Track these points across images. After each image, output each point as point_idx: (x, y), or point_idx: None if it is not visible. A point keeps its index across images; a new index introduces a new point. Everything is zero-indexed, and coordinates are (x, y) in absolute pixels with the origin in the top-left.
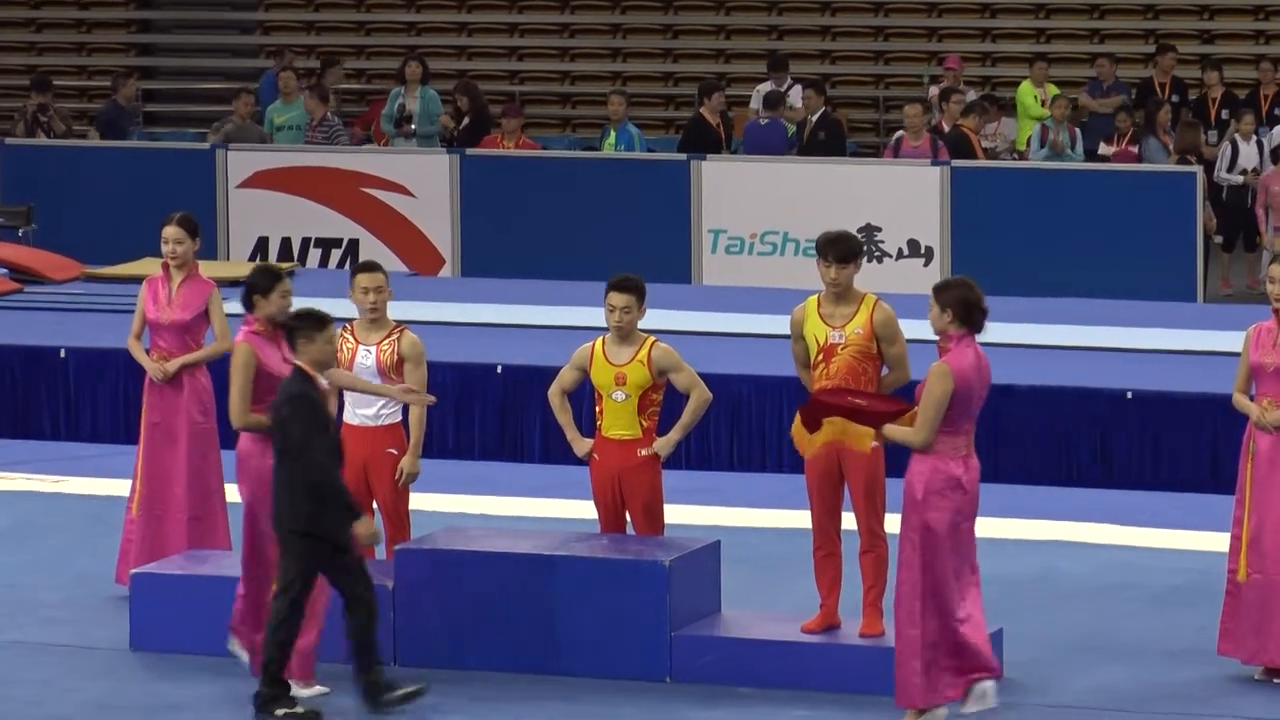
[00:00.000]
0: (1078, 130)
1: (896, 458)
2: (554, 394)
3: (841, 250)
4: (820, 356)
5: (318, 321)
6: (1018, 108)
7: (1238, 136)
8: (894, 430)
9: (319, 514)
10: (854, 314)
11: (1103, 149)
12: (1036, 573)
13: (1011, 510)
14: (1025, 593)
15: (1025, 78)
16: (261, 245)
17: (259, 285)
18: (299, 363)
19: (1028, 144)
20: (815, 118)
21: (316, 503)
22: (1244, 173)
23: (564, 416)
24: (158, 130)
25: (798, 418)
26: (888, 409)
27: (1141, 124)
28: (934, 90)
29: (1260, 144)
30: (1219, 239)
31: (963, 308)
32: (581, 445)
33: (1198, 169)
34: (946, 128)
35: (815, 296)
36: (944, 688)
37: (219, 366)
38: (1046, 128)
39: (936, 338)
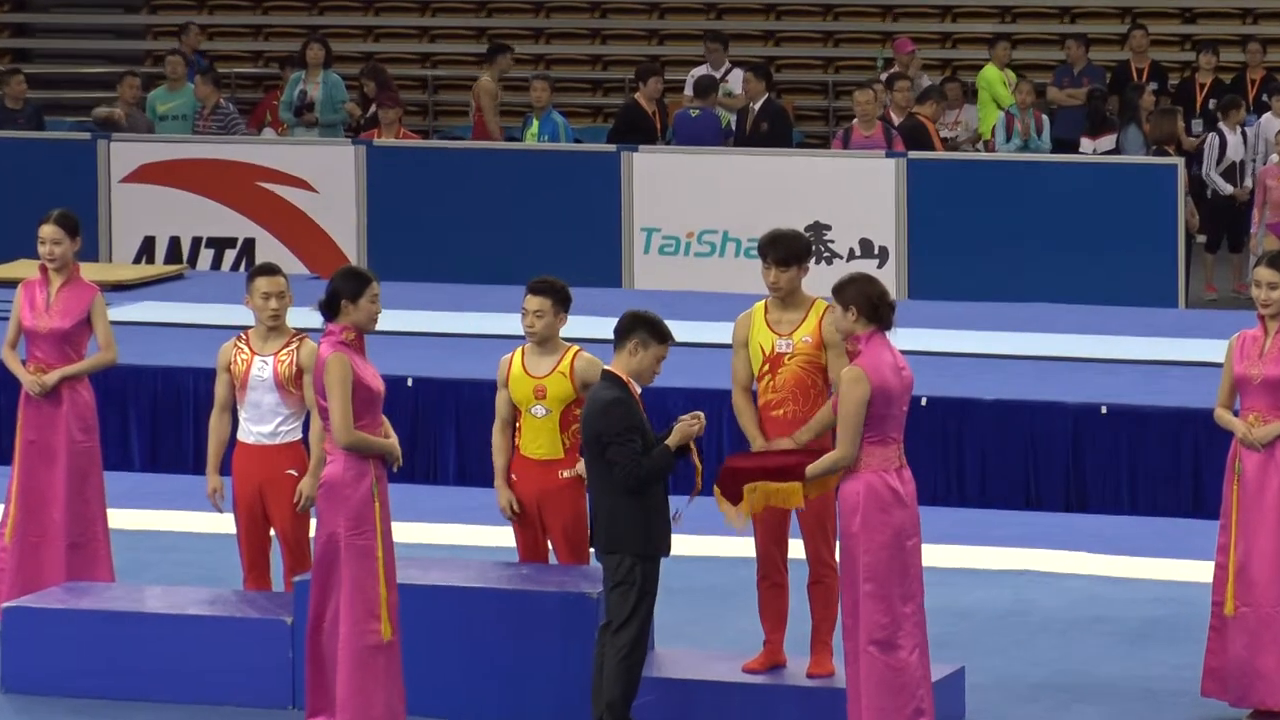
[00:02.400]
0: (1045, 117)
1: None
2: (496, 432)
3: (784, 251)
4: (766, 367)
5: (658, 331)
6: (979, 94)
7: (1224, 127)
8: (817, 466)
9: (666, 532)
10: (802, 320)
11: (1085, 145)
12: (1001, 606)
13: (973, 537)
14: (988, 628)
15: (988, 60)
16: (148, 245)
17: (346, 290)
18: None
19: (993, 133)
20: (758, 105)
21: (664, 521)
22: (1237, 181)
23: (499, 459)
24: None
25: (717, 490)
26: (807, 455)
27: (1117, 112)
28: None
29: (1245, 134)
30: (1202, 239)
31: (867, 303)
32: (505, 495)
33: (1178, 161)
34: (895, 119)
35: (763, 301)
36: None
37: (102, 379)
38: (1012, 115)
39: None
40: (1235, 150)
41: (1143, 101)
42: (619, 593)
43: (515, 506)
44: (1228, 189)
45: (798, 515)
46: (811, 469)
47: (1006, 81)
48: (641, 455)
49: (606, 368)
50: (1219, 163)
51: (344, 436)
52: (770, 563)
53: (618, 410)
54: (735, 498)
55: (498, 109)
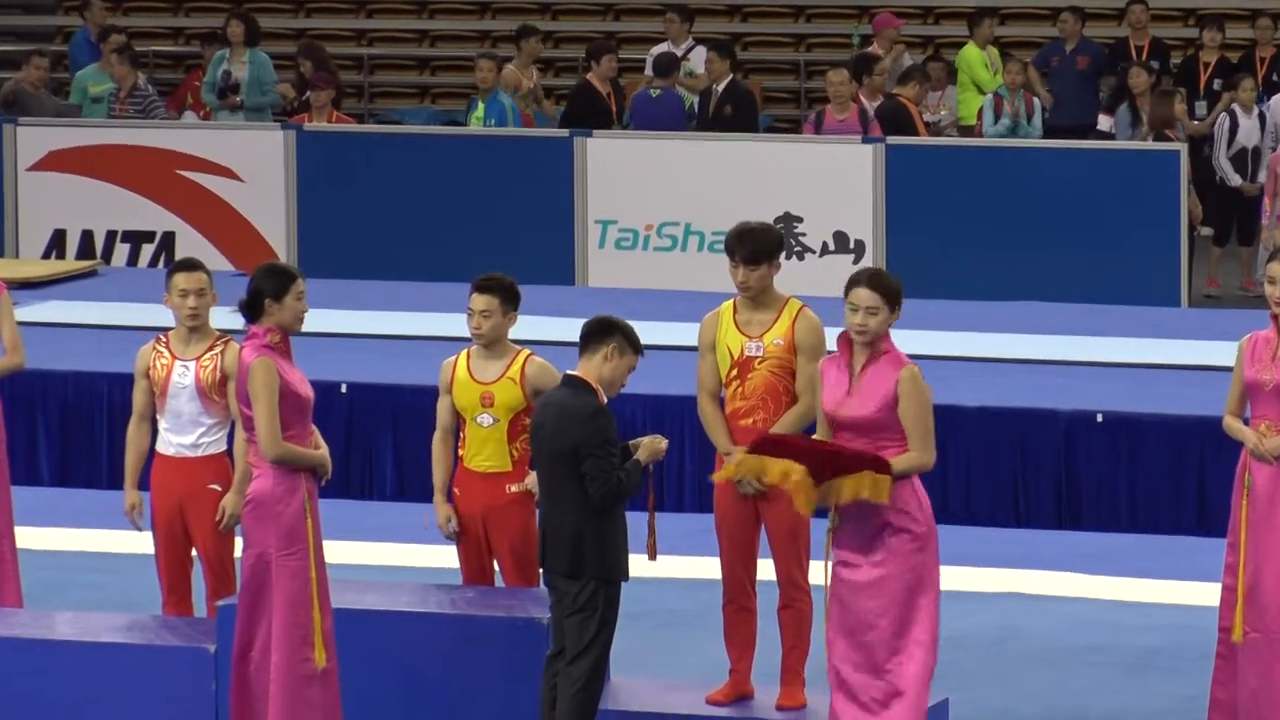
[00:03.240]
0: (1035, 100)
1: None
2: (437, 442)
3: (752, 247)
4: (734, 372)
5: (634, 340)
6: (959, 76)
7: (1237, 107)
8: (902, 463)
9: (626, 555)
10: (773, 321)
11: (1102, 122)
12: (988, 632)
13: (959, 557)
14: (974, 657)
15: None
16: (58, 239)
17: (269, 287)
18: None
19: (979, 117)
20: (721, 87)
21: (626, 543)
22: (1247, 169)
23: (439, 472)
24: None
25: (765, 463)
26: (853, 451)
27: (1112, 91)
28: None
29: (1263, 116)
30: (1207, 231)
31: (899, 301)
32: (442, 511)
33: (1181, 146)
34: (868, 103)
35: (732, 301)
36: None
37: (8, 385)
38: (1000, 97)
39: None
40: (1248, 135)
41: (1133, 81)
42: (579, 620)
43: (456, 524)
44: (1236, 179)
45: (768, 533)
46: (896, 466)
47: (989, 63)
48: (619, 470)
49: (571, 373)
50: (1229, 147)
51: (272, 448)
52: (737, 585)
53: (601, 421)
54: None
55: (536, 96)
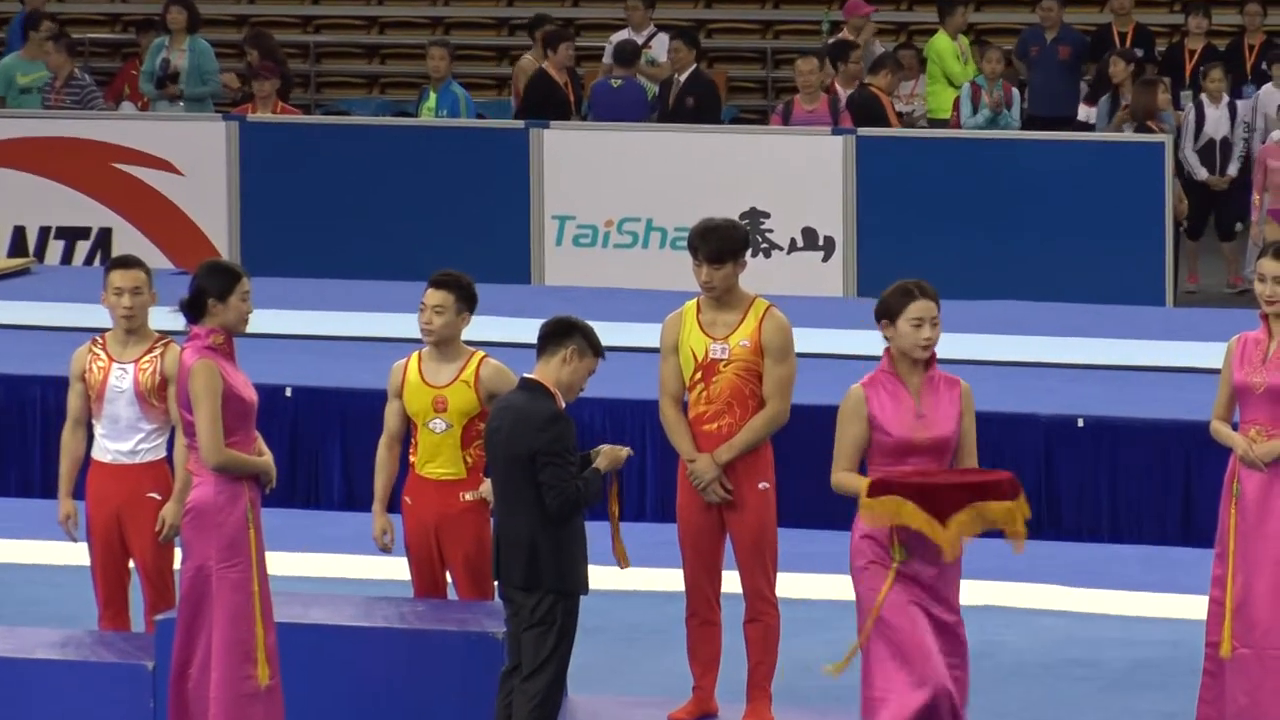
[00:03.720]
0: (1014, 90)
1: (792, 501)
2: (382, 449)
3: (717, 245)
4: (699, 375)
5: (594, 343)
6: (929, 67)
7: (1205, 98)
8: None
9: (586, 568)
10: (739, 322)
11: (1082, 113)
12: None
13: None
14: None
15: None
16: None
17: (213, 287)
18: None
19: (955, 108)
20: (684, 76)
21: (585, 555)
22: (1215, 163)
23: (381, 480)
24: None
25: (913, 512)
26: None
27: (1093, 81)
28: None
29: (1233, 107)
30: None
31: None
32: (379, 523)
33: (1166, 138)
34: (843, 92)
35: (695, 300)
36: None
37: None
38: (978, 86)
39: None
40: (1216, 126)
41: (1113, 70)
42: (536, 634)
43: (391, 538)
44: (1202, 173)
45: (734, 544)
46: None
47: (960, 53)
48: (577, 479)
49: (528, 376)
50: (1196, 140)
51: (214, 455)
52: (700, 598)
53: (560, 427)
54: (939, 517)
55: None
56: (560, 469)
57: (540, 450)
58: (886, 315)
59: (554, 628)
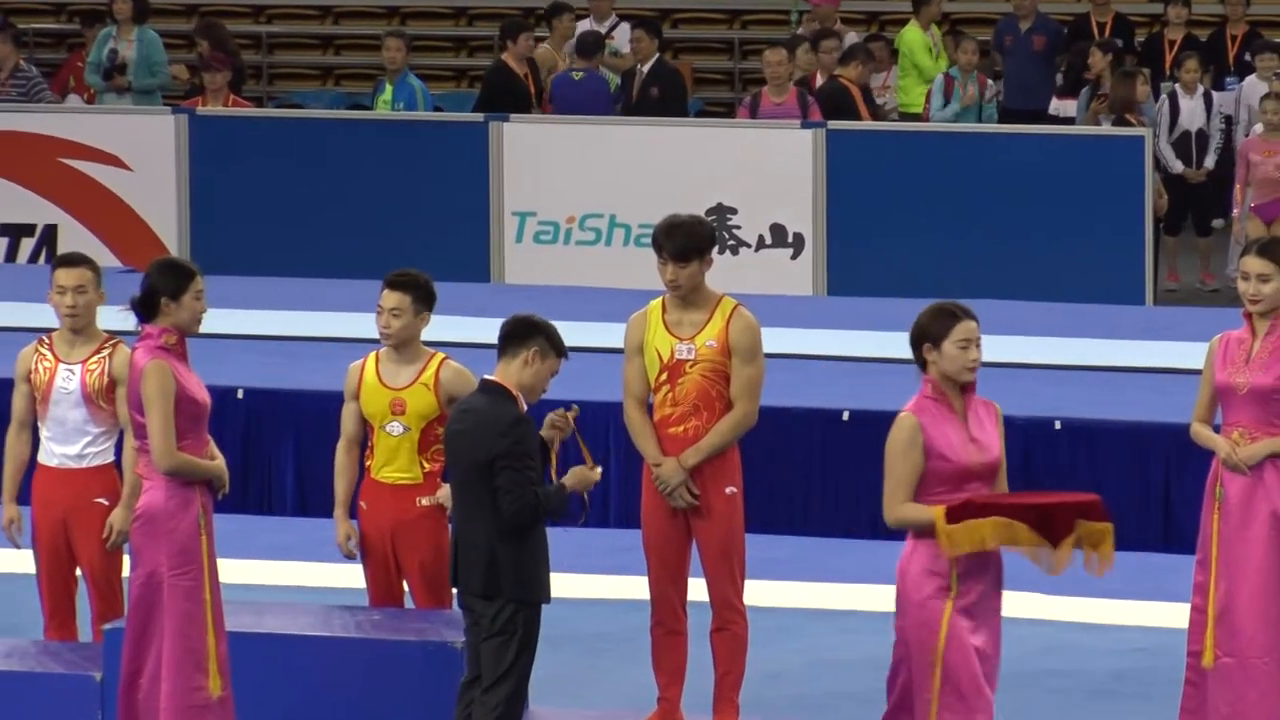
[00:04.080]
0: (989, 81)
1: (759, 506)
2: (340, 452)
3: (680, 244)
4: (664, 376)
5: (557, 343)
6: (899, 60)
7: (1178, 89)
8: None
9: (548, 576)
10: (706, 322)
11: (1054, 105)
12: None
13: None
14: None
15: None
16: None
17: (166, 286)
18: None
19: (927, 101)
20: (647, 67)
21: (547, 564)
22: (1191, 155)
23: (341, 485)
24: None
25: (1026, 534)
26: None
27: (1066, 73)
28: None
29: (1209, 98)
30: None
31: None
32: (342, 528)
33: (1146, 132)
34: (819, 82)
35: (660, 299)
36: None
37: None
38: (951, 78)
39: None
40: (1190, 118)
41: (1091, 60)
42: (496, 644)
43: (356, 542)
44: (1178, 166)
45: (700, 552)
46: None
47: (931, 46)
48: (536, 486)
49: (488, 378)
50: (1170, 132)
51: (166, 459)
52: (666, 606)
53: (521, 430)
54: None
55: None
56: (518, 474)
57: (499, 455)
58: (928, 340)
59: (514, 637)
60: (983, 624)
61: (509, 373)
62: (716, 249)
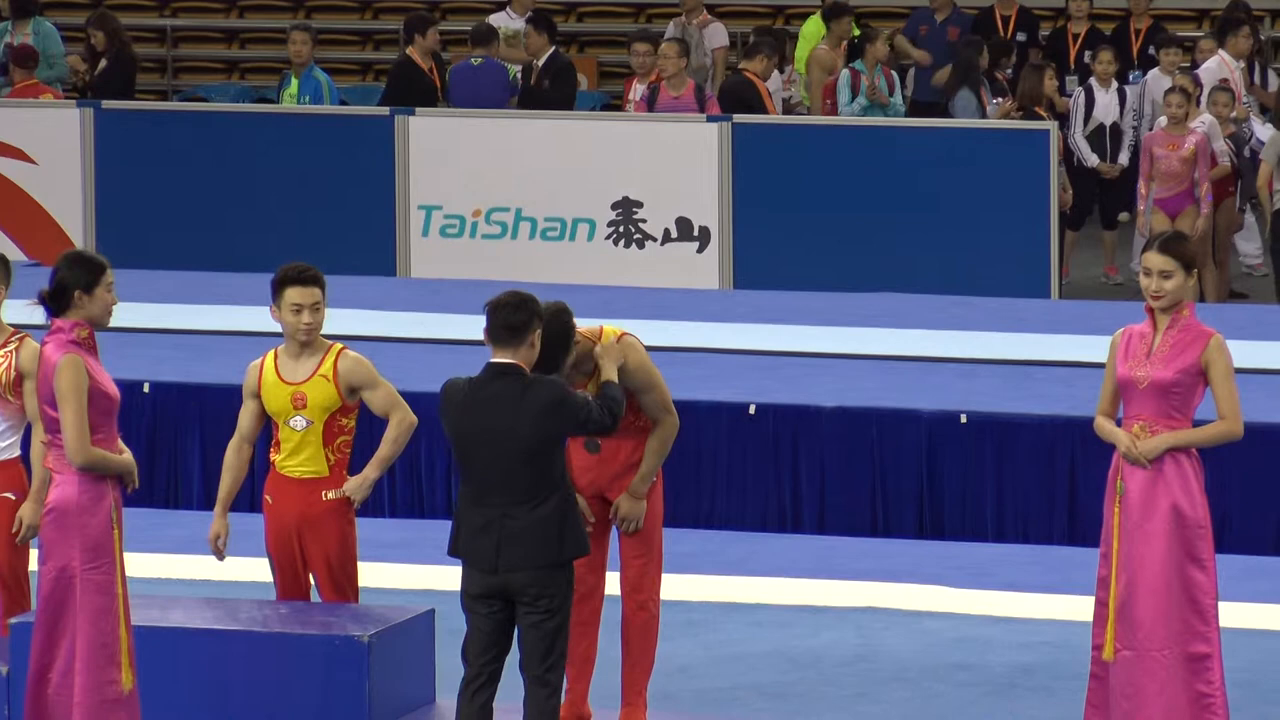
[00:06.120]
0: (895, 75)
1: (669, 501)
2: (230, 450)
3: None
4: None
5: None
6: (797, 48)
7: (1094, 82)
8: (1197, 434)
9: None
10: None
11: (992, 109)
12: (845, 650)
13: (811, 570)
14: (830, 677)
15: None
16: None
17: (78, 279)
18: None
19: (834, 93)
20: (541, 61)
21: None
22: (1106, 148)
23: (226, 481)
24: None
25: None
26: None
27: (956, 70)
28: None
29: (1123, 92)
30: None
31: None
32: (216, 525)
33: (1050, 125)
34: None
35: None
36: None
37: None
38: (858, 72)
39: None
40: (1105, 111)
41: (978, 60)
42: (553, 625)
43: (224, 541)
44: (1092, 160)
45: (619, 533)
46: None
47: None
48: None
49: (503, 361)
50: (1085, 125)
51: (80, 454)
52: (580, 595)
53: (559, 385)
54: None
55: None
56: (586, 402)
57: (566, 415)
58: None
59: (568, 600)
60: None
61: (518, 356)
62: (624, 243)
